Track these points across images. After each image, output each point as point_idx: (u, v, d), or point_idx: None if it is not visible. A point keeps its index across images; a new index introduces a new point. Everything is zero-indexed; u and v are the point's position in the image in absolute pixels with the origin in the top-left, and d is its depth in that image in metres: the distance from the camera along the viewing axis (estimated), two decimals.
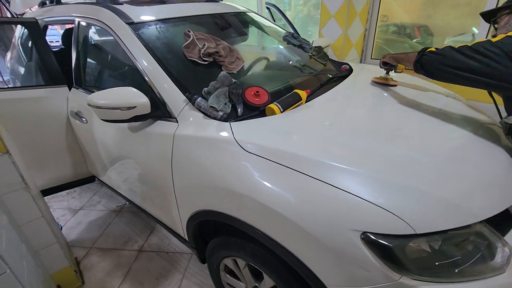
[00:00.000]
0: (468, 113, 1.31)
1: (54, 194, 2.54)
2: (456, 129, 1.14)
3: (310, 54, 1.86)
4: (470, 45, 0.98)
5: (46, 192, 1.95)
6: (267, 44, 2.17)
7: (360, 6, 2.45)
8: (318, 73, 1.68)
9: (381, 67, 1.56)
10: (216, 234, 1.26)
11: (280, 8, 4.42)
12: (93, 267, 1.84)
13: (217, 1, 2.15)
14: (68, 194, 2.61)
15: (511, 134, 1.04)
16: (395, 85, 1.52)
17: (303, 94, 1.27)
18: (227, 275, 1.32)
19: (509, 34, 0.94)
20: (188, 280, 1.71)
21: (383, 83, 1.54)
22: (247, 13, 2.05)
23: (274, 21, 3.05)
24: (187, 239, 1.40)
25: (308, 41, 2.01)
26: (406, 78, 1.66)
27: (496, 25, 1.16)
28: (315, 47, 1.91)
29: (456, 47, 1.02)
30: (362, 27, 2.56)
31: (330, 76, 1.64)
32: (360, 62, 2.76)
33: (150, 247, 1.97)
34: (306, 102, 1.31)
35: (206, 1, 2.02)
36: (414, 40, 3.11)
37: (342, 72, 1.75)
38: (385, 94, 1.44)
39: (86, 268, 1.83)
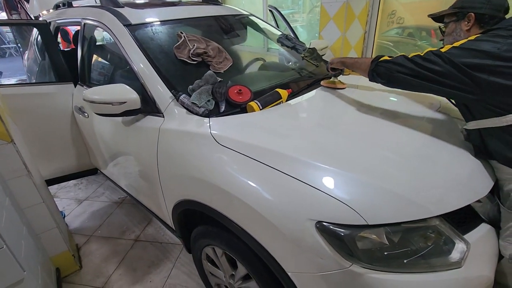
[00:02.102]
0: (431, 115, 1.29)
1: (62, 185, 2.73)
2: (419, 129, 1.15)
3: (302, 56, 1.91)
4: (422, 54, 1.01)
5: (52, 181, 2.09)
6: (262, 45, 2.23)
7: (359, 9, 2.47)
8: (307, 74, 1.73)
9: (328, 71, 1.57)
10: (200, 223, 1.34)
11: (294, 11, 4.44)
12: (92, 254, 1.95)
13: (220, 4, 2.24)
14: (75, 186, 2.77)
15: (469, 140, 1.06)
16: (343, 88, 1.53)
17: (283, 93, 1.33)
18: (209, 263, 1.39)
19: (455, 45, 0.96)
20: (177, 269, 1.79)
21: (331, 87, 1.53)
22: (244, 16, 2.13)
23: (277, 23, 3.12)
24: (174, 228, 1.48)
25: (303, 43, 2.06)
26: (353, 80, 1.67)
27: (444, 30, 1.16)
28: (309, 48, 1.96)
29: (409, 56, 1.04)
30: (362, 29, 2.58)
31: (319, 77, 1.69)
32: None
33: (146, 237, 2.07)
34: (287, 100, 1.37)
35: (207, 4, 2.12)
36: (424, 42, 3.09)
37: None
38: (359, 95, 1.46)
39: (85, 254, 1.95)
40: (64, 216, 2.26)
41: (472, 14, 1.04)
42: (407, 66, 1.03)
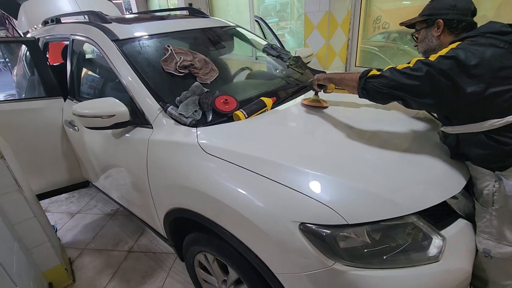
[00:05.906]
0: (407, 120, 1.31)
1: (54, 199, 2.72)
2: (395, 134, 1.20)
3: (288, 64, 1.98)
4: (411, 65, 0.96)
5: (43, 196, 2.09)
6: (250, 55, 2.30)
7: (341, 18, 2.57)
8: (291, 82, 1.79)
9: (313, 89, 1.43)
10: (191, 231, 1.36)
11: (282, 19, 4.55)
12: (85, 267, 1.95)
13: (206, 16, 2.31)
14: (67, 199, 2.76)
15: (445, 141, 1.11)
16: (326, 107, 1.40)
17: (268, 101, 1.39)
18: (201, 270, 1.41)
19: (440, 53, 0.93)
20: (171, 278, 1.80)
21: (314, 106, 1.40)
22: (231, 27, 2.19)
23: (264, 33, 3.20)
24: (166, 237, 1.50)
25: (288, 52, 2.13)
26: (337, 97, 1.51)
27: (417, 37, 1.19)
28: (294, 57, 2.03)
29: (398, 68, 0.99)
30: (345, 37, 2.67)
31: (303, 84, 1.75)
32: (345, 70, 2.87)
33: (139, 248, 2.08)
34: (273, 108, 1.42)
35: (194, 17, 2.18)
36: (407, 47, 3.20)
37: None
38: (342, 105, 1.47)
39: (78, 268, 1.95)
40: (56, 230, 2.25)
41: (441, 20, 1.08)
42: (397, 80, 0.97)
